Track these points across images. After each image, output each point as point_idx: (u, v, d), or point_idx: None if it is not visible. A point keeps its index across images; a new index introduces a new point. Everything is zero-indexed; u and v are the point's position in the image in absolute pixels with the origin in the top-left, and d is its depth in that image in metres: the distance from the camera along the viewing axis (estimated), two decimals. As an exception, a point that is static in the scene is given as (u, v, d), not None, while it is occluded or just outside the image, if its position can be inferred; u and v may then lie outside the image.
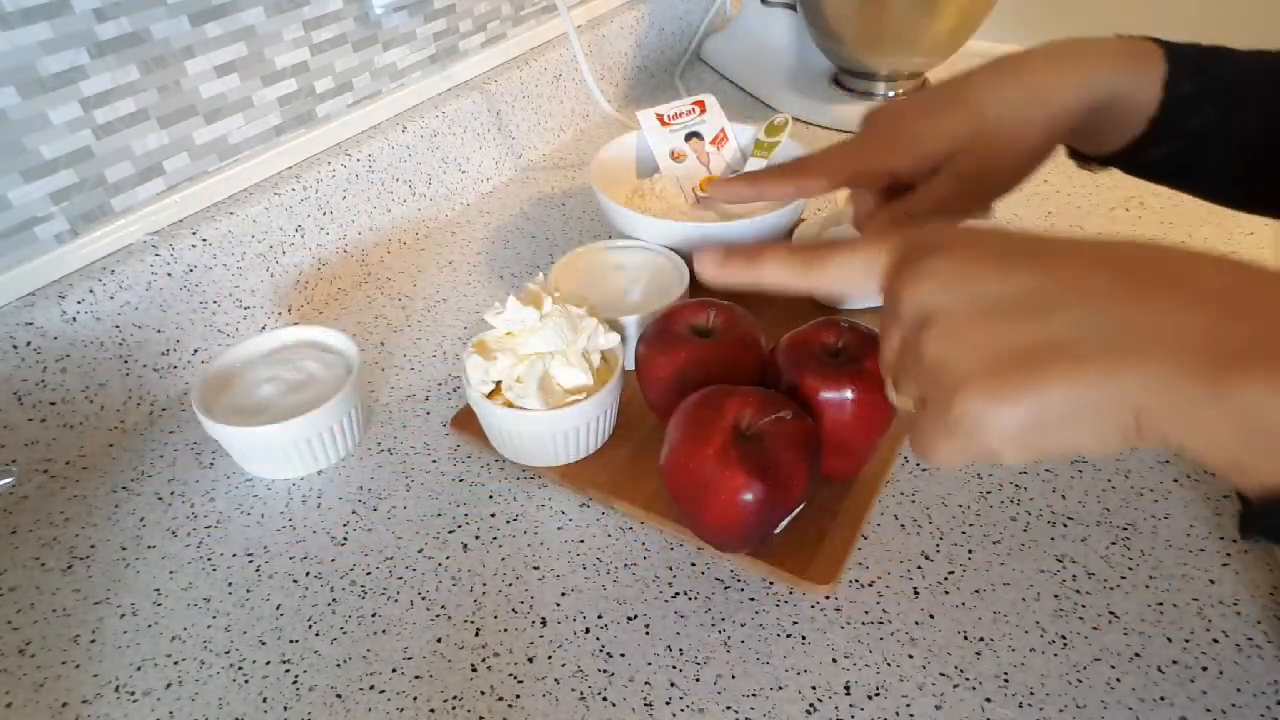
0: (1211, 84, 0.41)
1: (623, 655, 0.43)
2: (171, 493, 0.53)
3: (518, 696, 0.41)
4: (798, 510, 0.42)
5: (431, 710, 0.41)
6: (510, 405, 0.49)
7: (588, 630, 0.44)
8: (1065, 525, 0.48)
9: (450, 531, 0.50)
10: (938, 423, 0.27)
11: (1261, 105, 0.41)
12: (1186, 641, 0.42)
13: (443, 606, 0.45)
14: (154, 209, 0.59)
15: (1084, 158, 0.46)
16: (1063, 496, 0.50)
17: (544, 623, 0.44)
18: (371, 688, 0.42)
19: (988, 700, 0.40)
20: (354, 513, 0.51)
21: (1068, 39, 0.43)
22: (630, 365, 0.55)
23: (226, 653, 0.44)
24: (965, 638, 0.42)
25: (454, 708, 0.41)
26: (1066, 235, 0.28)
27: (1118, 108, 0.42)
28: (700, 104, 0.76)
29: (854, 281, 0.32)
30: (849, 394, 0.44)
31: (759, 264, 0.35)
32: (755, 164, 0.72)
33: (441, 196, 0.80)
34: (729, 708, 0.40)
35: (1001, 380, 0.25)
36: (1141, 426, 0.24)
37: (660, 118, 0.75)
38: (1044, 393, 0.24)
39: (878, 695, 0.40)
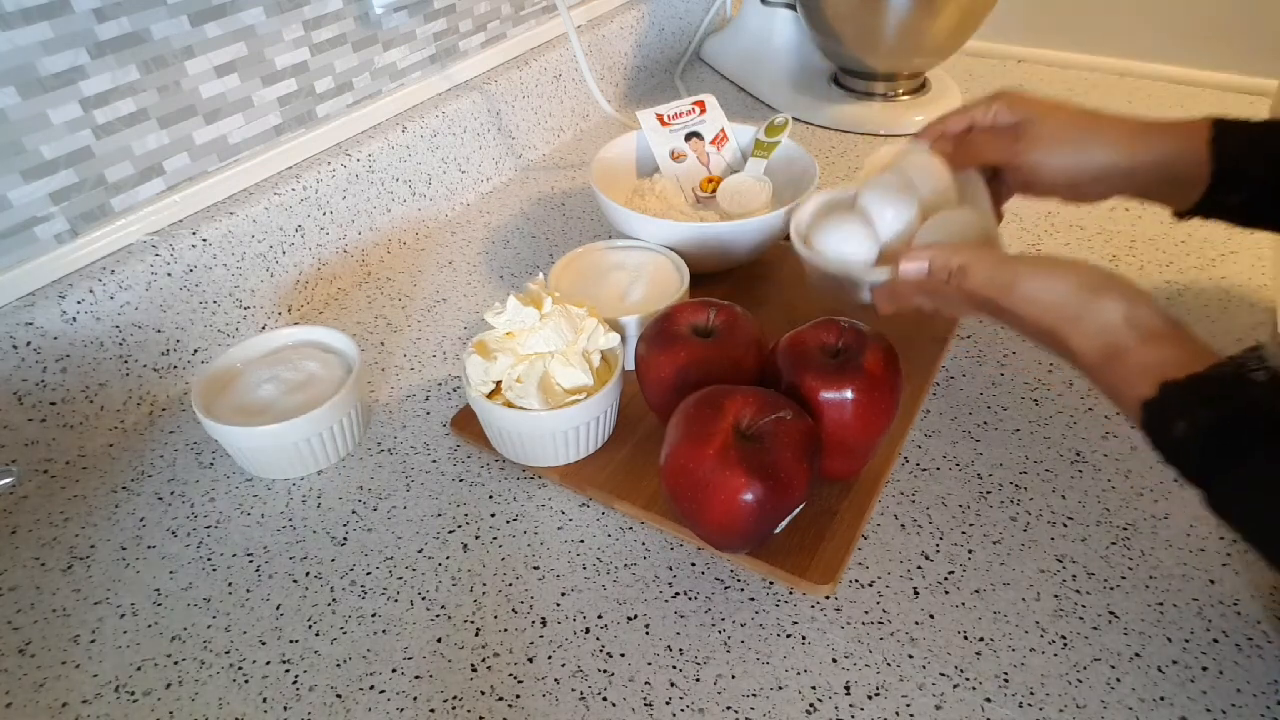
0: (1262, 142, 0.48)
1: (623, 655, 0.43)
2: (171, 493, 0.53)
3: (518, 696, 0.41)
4: (798, 510, 0.42)
5: (431, 710, 0.41)
6: (510, 405, 0.49)
7: (588, 630, 0.44)
8: (1065, 525, 0.48)
9: (450, 531, 0.50)
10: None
11: None
12: (1186, 641, 0.42)
13: (443, 606, 0.45)
14: (154, 209, 0.59)
15: (1180, 214, 0.52)
16: (1063, 496, 0.50)
17: (544, 623, 0.44)
18: (371, 688, 0.42)
19: (988, 700, 0.40)
20: (354, 513, 0.51)
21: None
22: (630, 365, 0.55)
23: (226, 653, 0.44)
24: (965, 638, 0.42)
25: (454, 708, 0.41)
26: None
27: (1169, 168, 0.49)
28: (700, 104, 0.76)
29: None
30: (849, 394, 0.44)
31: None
32: (755, 164, 0.72)
33: (441, 196, 0.80)
34: (729, 708, 0.40)
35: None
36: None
37: (660, 118, 0.75)
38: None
39: (878, 695, 0.40)
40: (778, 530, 0.43)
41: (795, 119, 0.84)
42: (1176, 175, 0.49)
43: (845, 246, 0.53)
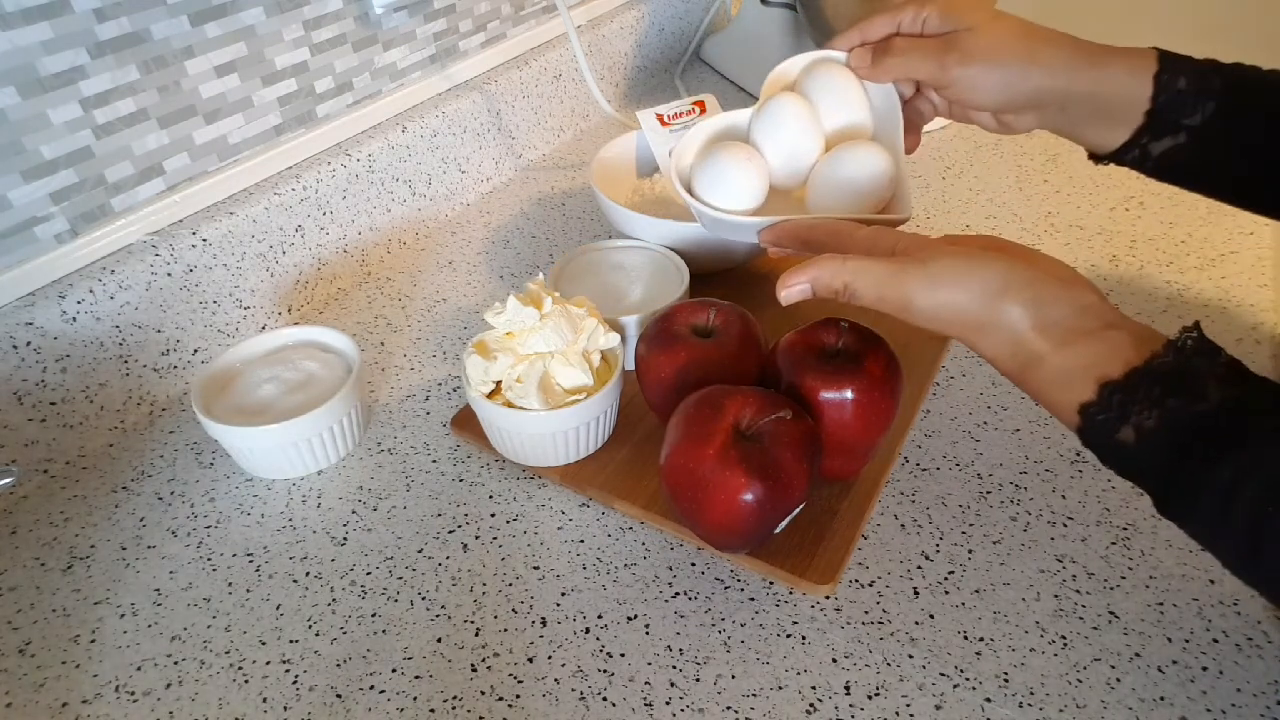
0: (1209, 83, 0.44)
1: (623, 655, 0.43)
2: (171, 493, 0.53)
3: (518, 696, 0.41)
4: (798, 510, 0.42)
5: (431, 710, 0.41)
6: (510, 405, 0.49)
7: (588, 630, 0.44)
8: (1065, 525, 0.48)
9: (450, 531, 0.50)
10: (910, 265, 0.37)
11: (1268, 110, 0.43)
12: (1186, 641, 0.42)
13: (443, 606, 0.45)
14: (154, 209, 0.59)
15: (1097, 158, 0.48)
16: (1063, 496, 0.50)
17: (544, 623, 0.44)
18: (371, 688, 0.42)
19: (988, 700, 0.40)
20: (354, 513, 0.51)
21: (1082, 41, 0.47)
22: (630, 365, 0.55)
23: (226, 653, 0.44)
24: (965, 638, 0.42)
25: (454, 708, 0.41)
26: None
27: (1106, 99, 0.45)
28: (700, 104, 0.76)
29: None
30: (849, 394, 0.44)
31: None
32: (755, 164, 0.72)
33: (441, 196, 0.80)
34: (729, 708, 0.40)
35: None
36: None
37: (660, 118, 0.75)
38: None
39: (878, 695, 0.40)
40: (778, 530, 0.43)
41: (795, 119, 0.84)
42: (1111, 109, 0.45)
43: (728, 190, 0.47)
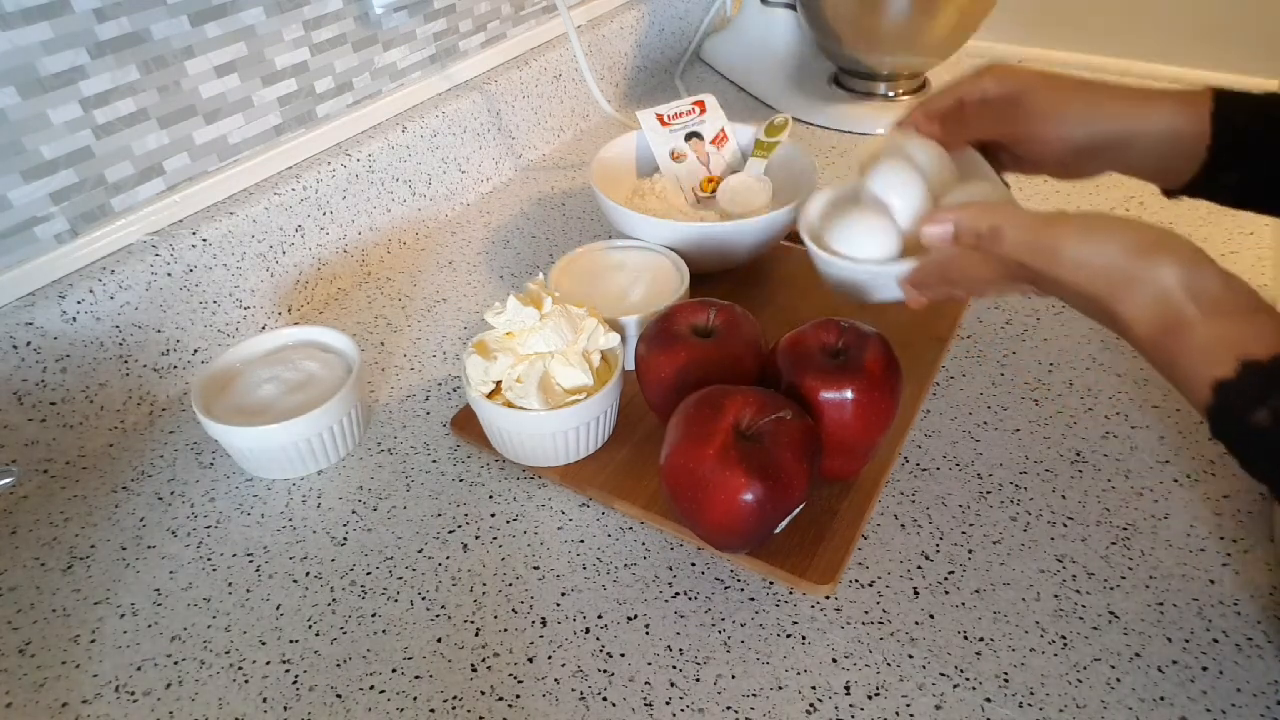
0: (1264, 114, 0.45)
1: (623, 655, 0.43)
2: (171, 493, 0.53)
3: (518, 696, 0.41)
4: (798, 510, 0.42)
5: (431, 710, 0.41)
6: (510, 405, 0.49)
7: (588, 630, 0.44)
8: (1065, 525, 0.48)
9: (450, 531, 0.50)
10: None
11: None
12: (1186, 641, 0.42)
13: (443, 606, 0.45)
14: (154, 209, 0.59)
15: (1170, 192, 0.49)
16: (1063, 496, 0.50)
17: (544, 623, 0.44)
18: (371, 688, 0.42)
19: (988, 700, 0.40)
20: (354, 513, 0.51)
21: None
22: (630, 365, 0.55)
23: (226, 653, 0.44)
24: (965, 638, 0.42)
25: (454, 708, 0.41)
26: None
27: (1168, 141, 0.46)
28: (700, 104, 0.76)
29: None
30: (849, 394, 0.44)
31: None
32: (755, 164, 0.72)
33: (441, 196, 0.80)
34: (729, 708, 0.40)
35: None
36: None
37: (660, 118, 0.75)
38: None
39: (878, 695, 0.40)
40: (778, 530, 0.43)
41: (795, 119, 0.84)
42: (1175, 148, 0.46)
43: (866, 243, 0.49)
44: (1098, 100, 0.47)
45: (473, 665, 0.43)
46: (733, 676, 0.41)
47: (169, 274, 0.58)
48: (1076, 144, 0.48)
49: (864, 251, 0.49)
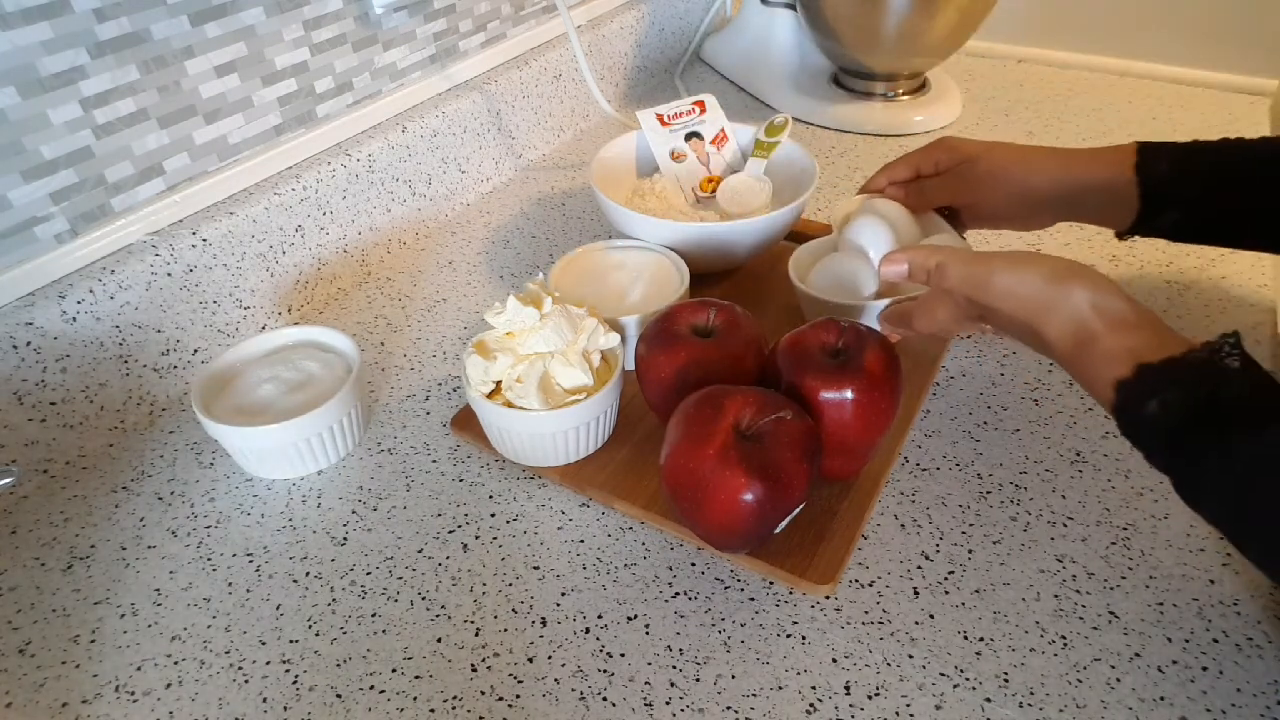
0: (1184, 163, 0.52)
1: (623, 655, 0.43)
2: (171, 493, 0.53)
3: (518, 696, 0.41)
4: (798, 510, 0.42)
5: (431, 710, 0.41)
6: (510, 405, 0.49)
7: (588, 630, 0.44)
8: (1065, 525, 0.48)
9: (450, 531, 0.50)
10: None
11: (1246, 182, 0.51)
12: (1186, 641, 0.42)
13: (443, 606, 0.45)
14: (154, 209, 0.59)
15: (1121, 235, 0.56)
16: (1063, 496, 0.50)
17: (544, 623, 0.44)
18: (371, 688, 0.42)
19: (988, 700, 0.40)
20: (354, 513, 0.51)
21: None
22: (630, 365, 0.55)
23: (226, 653, 0.44)
24: (965, 638, 0.42)
25: (454, 708, 0.41)
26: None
27: (1102, 193, 0.53)
28: (700, 104, 0.76)
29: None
30: (849, 394, 0.44)
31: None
32: (755, 164, 0.72)
33: (441, 196, 0.80)
34: (729, 708, 0.40)
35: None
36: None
37: (660, 118, 0.75)
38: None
39: (878, 695, 0.40)
40: (778, 530, 0.43)
41: (795, 119, 0.84)
42: (1111, 199, 0.53)
43: (847, 284, 0.57)
44: (1033, 164, 0.55)
45: (473, 665, 0.43)
46: (733, 676, 0.41)
47: (169, 274, 0.58)
48: (1019, 203, 0.56)
49: (844, 292, 0.57)
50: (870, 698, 0.40)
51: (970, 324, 0.47)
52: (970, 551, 0.47)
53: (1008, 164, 0.56)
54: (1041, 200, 0.55)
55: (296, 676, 0.42)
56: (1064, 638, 0.42)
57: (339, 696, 0.41)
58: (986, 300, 0.43)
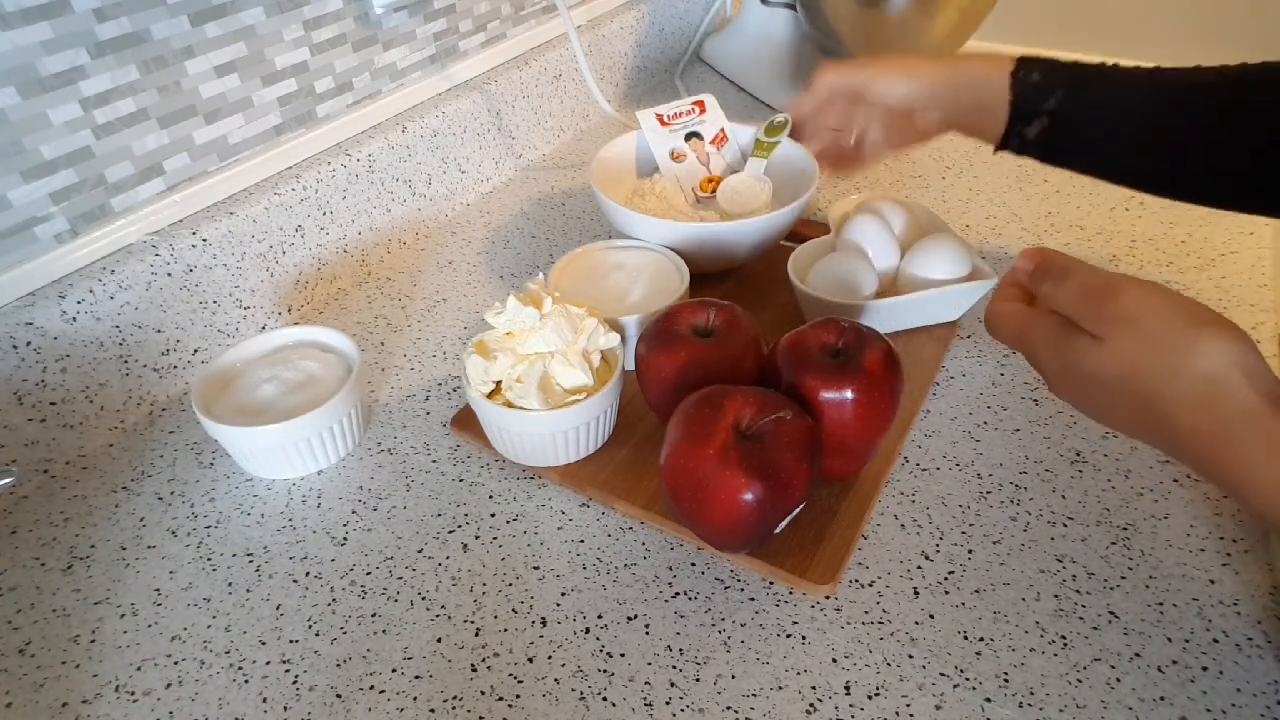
0: (1058, 74, 0.52)
1: (623, 655, 0.43)
2: (171, 493, 0.53)
3: (518, 696, 0.41)
4: (798, 510, 0.42)
5: (431, 710, 0.41)
6: (510, 405, 0.49)
7: (588, 630, 0.44)
8: (1065, 525, 0.48)
9: (450, 531, 0.50)
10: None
11: (1111, 94, 0.51)
12: (1186, 641, 0.42)
13: (443, 606, 0.45)
14: (154, 209, 0.59)
15: (996, 149, 0.56)
16: (1063, 496, 0.50)
17: (544, 623, 0.44)
18: (371, 688, 0.42)
19: (988, 700, 0.40)
20: (354, 513, 0.51)
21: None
22: (630, 365, 0.55)
23: (226, 653, 0.44)
24: (965, 638, 0.42)
25: (454, 708, 0.41)
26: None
27: (978, 90, 0.54)
28: (700, 104, 0.76)
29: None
30: (849, 394, 0.44)
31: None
32: (755, 164, 0.72)
33: (441, 196, 0.80)
34: (729, 708, 0.40)
35: None
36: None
37: (660, 118, 0.75)
38: None
39: (878, 695, 0.40)
40: (778, 530, 0.43)
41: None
42: (985, 104, 0.54)
43: (848, 282, 0.58)
44: (913, 66, 0.57)
45: (473, 665, 0.43)
46: (733, 676, 0.41)
47: (169, 274, 0.58)
48: (906, 102, 0.57)
49: (844, 292, 0.58)
50: (870, 698, 0.40)
51: (1068, 342, 0.38)
52: (970, 551, 0.47)
53: (890, 68, 0.57)
54: (925, 101, 0.56)
55: (296, 676, 0.42)
56: (1064, 638, 0.42)
57: (339, 696, 0.41)
58: (1107, 312, 0.35)
